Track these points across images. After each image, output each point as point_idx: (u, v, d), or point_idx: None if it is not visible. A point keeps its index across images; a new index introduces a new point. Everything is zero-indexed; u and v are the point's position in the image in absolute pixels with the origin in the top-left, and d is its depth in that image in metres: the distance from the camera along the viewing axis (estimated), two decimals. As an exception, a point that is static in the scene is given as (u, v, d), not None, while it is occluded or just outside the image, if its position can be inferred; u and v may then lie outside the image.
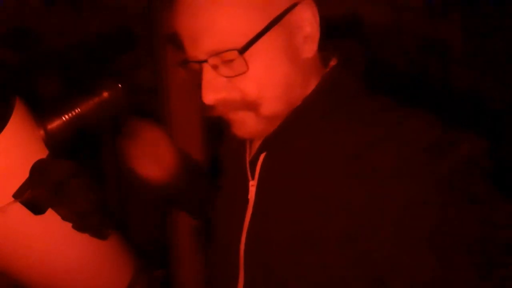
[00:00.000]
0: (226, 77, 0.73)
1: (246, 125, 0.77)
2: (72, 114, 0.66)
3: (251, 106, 0.74)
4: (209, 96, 0.74)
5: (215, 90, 0.74)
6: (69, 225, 0.66)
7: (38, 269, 0.71)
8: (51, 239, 0.69)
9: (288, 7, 0.72)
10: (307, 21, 0.73)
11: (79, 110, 0.67)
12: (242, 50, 0.70)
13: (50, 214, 0.64)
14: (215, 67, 0.73)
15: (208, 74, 0.74)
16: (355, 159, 0.70)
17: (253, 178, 0.83)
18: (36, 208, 0.62)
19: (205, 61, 0.72)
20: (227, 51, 0.70)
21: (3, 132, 0.59)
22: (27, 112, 0.65)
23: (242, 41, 0.70)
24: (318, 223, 0.71)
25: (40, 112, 0.67)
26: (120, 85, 0.69)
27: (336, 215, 0.70)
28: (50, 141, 0.65)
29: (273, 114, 0.76)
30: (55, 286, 0.75)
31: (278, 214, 0.77)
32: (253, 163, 0.84)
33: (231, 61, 0.71)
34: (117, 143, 1.07)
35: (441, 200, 0.62)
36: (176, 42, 0.78)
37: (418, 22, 2.16)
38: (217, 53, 0.71)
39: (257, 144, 0.84)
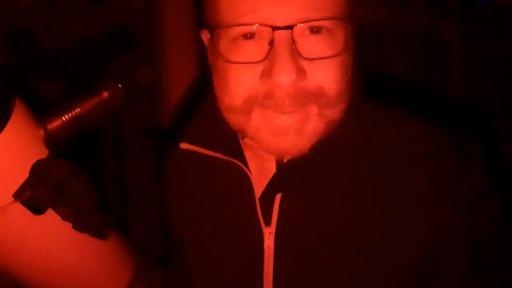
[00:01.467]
0: (308, 57, 0.57)
1: (301, 132, 0.60)
2: (72, 114, 0.66)
3: (322, 102, 0.59)
4: (289, 74, 0.55)
5: (296, 69, 0.56)
6: (69, 225, 0.66)
7: (38, 269, 0.71)
8: (51, 239, 0.69)
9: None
10: (352, 38, 0.64)
11: (79, 110, 0.66)
12: (349, 23, 0.56)
13: (50, 214, 0.64)
14: (292, 42, 0.56)
15: (286, 46, 0.56)
16: (384, 185, 0.66)
17: (268, 224, 0.68)
18: (36, 208, 0.62)
19: (290, 27, 0.55)
20: (335, 19, 0.55)
21: (3, 132, 0.59)
22: (27, 112, 0.65)
23: (345, 13, 0.57)
24: (355, 258, 0.65)
25: (40, 112, 0.67)
26: (120, 85, 0.68)
27: (373, 247, 0.65)
28: (50, 141, 0.65)
29: (334, 120, 0.62)
30: (55, 286, 0.74)
31: (310, 261, 0.66)
32: (266, 204, 0.69)
33: (323, 36, 0.57)
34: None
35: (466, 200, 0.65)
36: (211, 2, 0.61)
37: (418, 22, 2.16)
38: (313, 20, 0.55)
39: (265, 179, 0.70)
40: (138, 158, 2.26)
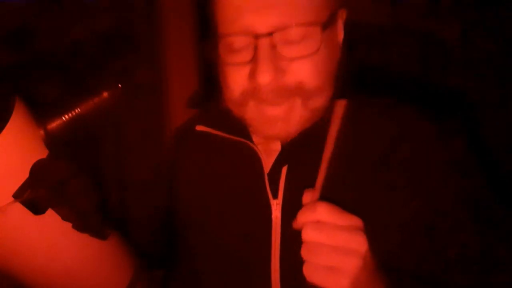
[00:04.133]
0: (288, 58, 0.65)
1: (288, 120, 0.68)
2: (72, 114, 0.66)
3: (303, 95, 0.67)
4: (267, 75, 0.64)
5: (274, 69, 0.65)
6: (69, 225, 0.66)
7: (38, 269, 0.71)
8: (51, 239, 0.69)
9: (339, 7, 0.71)
10: (341, 29, 0.72)
11: (79, 110, 0.67)
12: (325, 26, 0.64)
13: (50, 214, 0.64)
14: (273, 46, 0.64)
15: (267, 50, 0.64)
16: (385, 154, 0.72)
17: (275, 197, 0.75)
18: (36, 208, 0.62)
19: (270, 34, 0.63)
20: (309, 25, 0.63)
21: (3, 132, 0.59)
22: (27, 112, 0.65)
23: (319, 17, 0.65)
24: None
25: (40, 112, 0.67)
26: (120, 85, 0.69)
27: (372, 215, 0.69)
28: (50, 141, 0.65)
29: (318, 108, 0.70)
30: (55, 286, 0.75)
31: None
32: (273, 179, 0.75)
33: (299, 39, 0.65)
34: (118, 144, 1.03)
35: (460, 169, 0.71)
36: (208, 11, 0.70)
37: (418, 22, 2.16)
38: (289, 26, 0.63)
39: (271, 158, 0.77)
40: (138, 158, 2.26)
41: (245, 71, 0.68)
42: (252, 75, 0.67)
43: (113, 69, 2.04)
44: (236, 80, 0.70)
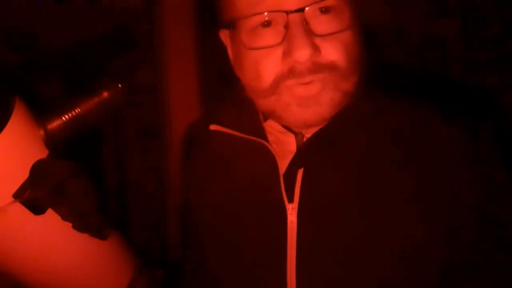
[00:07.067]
0: (320, 34, 0.64)
1: (320, 101, 0.67)
2: (72, 114, 0.66)
3: (335, 74, 0.66)
4: (306, 50, 0.63)
5: (312, 46, 0.63)
6: (69, 225, 0.66)
7: (38, 269, 0.71)
8: (51, 239, 0.69)
9: None
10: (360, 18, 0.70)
11: (79, 110, 0.66)
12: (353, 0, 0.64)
13: (50, 214, 0.64)
14: (305, 22, 0.63)
15: (300, 26, 0.63)
16: (406, 155, 0.70)
17: (291, 201, 0.72)
18: (36, 208, 0.62)
19: (302, 10, 0.63)
20: None
21: (3, 132, 0.59)
22: (27, 112, 0.65)
23: None
24: (377, 233, 0.68)
25: (40, 112, 0.67)
26: (120, 85, 0.69)
27: (394, 220, 0.68)
28: (50, 141, 0.65)
29: (349, 92, 0.68)
30: (55, 286, 0.75)
31: (332, 234, 0.70)
32: (289, 182, 0.73)
33: (330, 15, 0.64)
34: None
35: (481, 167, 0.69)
36: None
37: (418, 22, 2.16)
38: (322, 0, 0.62)
39: (286, 160, 0.75)
40: (138, 158, 2.26)
41: (276, 54, 0.66)
42: (287, 54, 0.65)
43: (113, 69, 2.04)
44: (268, 65, 0.67)
